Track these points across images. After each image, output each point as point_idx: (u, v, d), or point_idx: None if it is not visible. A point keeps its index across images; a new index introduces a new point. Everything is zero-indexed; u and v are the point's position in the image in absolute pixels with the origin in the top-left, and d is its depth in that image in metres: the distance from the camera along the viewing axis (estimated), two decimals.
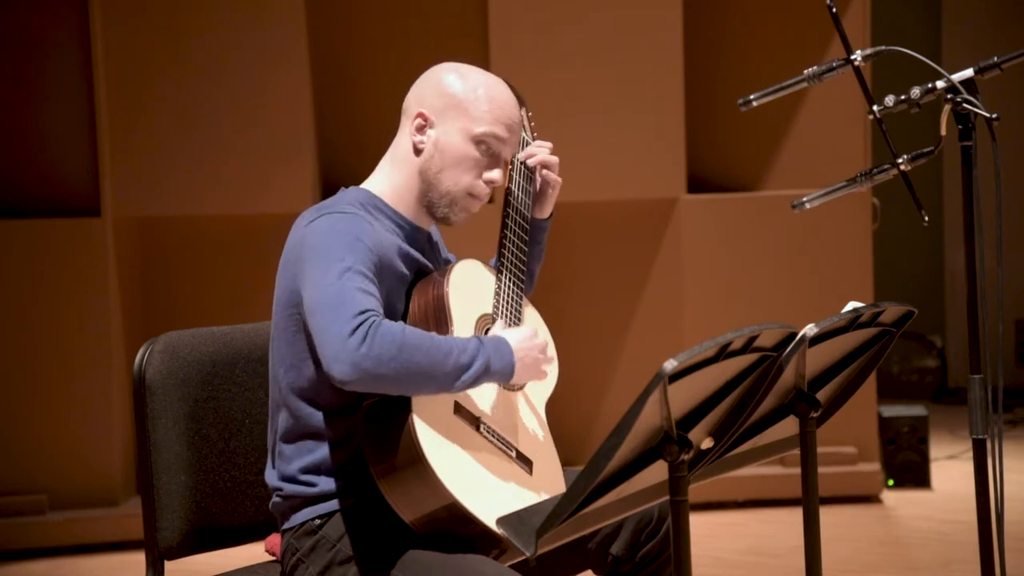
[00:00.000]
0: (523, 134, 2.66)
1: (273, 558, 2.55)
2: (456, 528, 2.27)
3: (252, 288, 5.02)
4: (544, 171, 2.63)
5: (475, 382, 2.29)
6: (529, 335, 2.39)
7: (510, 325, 2.47)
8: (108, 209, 4.99)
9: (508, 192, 2.57)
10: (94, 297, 4.97)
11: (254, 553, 2.67)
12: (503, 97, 2.48)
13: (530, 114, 2.73)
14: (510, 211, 2.55)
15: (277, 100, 5.06)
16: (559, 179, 2.64)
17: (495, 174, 2.47)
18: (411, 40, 5.24)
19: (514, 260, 2.53)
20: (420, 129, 2.46)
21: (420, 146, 2.46)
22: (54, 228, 4.97)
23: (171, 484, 2.47)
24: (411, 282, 2.44)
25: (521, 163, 2.61)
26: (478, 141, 2.44)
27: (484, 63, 5.00)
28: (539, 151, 2.63)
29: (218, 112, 5.04)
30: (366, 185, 2.51)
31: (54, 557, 4.86)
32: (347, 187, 2.51)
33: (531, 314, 2.58)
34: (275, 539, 2.53)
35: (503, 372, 2.33)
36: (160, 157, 5.05)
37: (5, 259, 4.95)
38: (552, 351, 2.54)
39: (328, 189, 5.09)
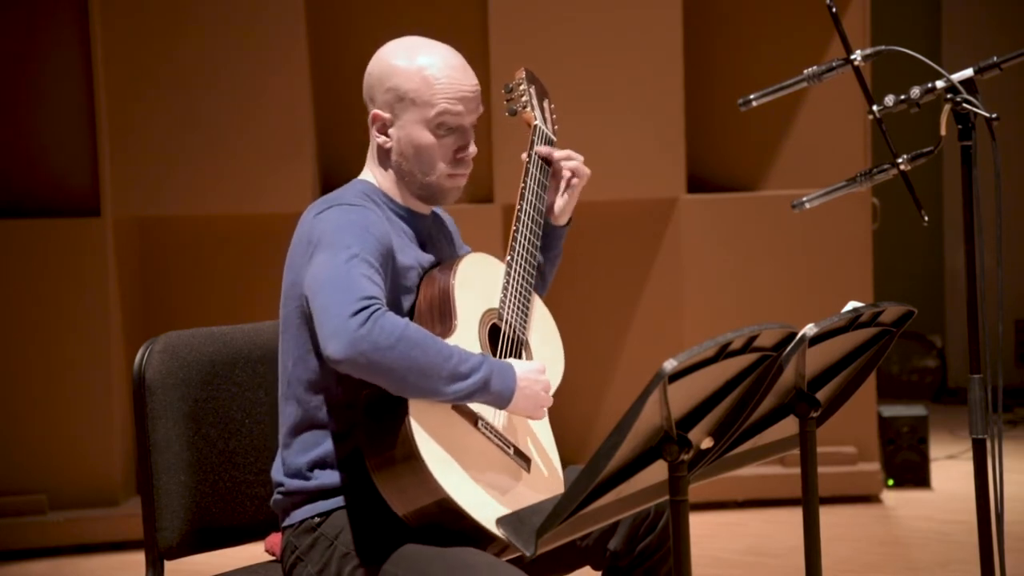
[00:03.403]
0: (543, 127, 2.64)
1: (273, 558, 2.55)
2: (448, 523, 2.27)
3: (252, 288, 5.02)
4: (574, 179, 2.62)
5: (470, 396, 2.28)
6: (538, 368, 2.39)
7: (516, 320, 2.46)
8: (108, 209, 4.99)
9: (522, 186, 2.56)
10: (94, 297, 4.97)
11: (254, 553, 2.67)
12: (447, 70, 2.43)
13: (553, 106, 2.72)
14: (524, 204, 2.54)
15: (277, 100, 5.06)
16: (581, 183, 2.64)
17: (467, 148, 2.45)
18: None
19: (525, 255, 2.52)
20: (381, 130, 2.46)
21: (386, 146, 2.46)
22: (54, 228, 4.97)
23: (171, 484, 2.47)
24: (418, 277, 2.44)
25: (541, 159, 2.60)
26: (436, 125, 2.43)
27: (484, 63, 5.01)
28: (577, 158, 2.63)
29: (218, 112, 5.04)
30: (364, 176, 2.52)
31: (54, 557, 4.86)
32: (352, 180, 2.52)
33: (539, 310, 2.57)
34: (275, 539, 2.53)
35: (501, 395, 2.31)
36: (160, 157, 5.05)
37: (5, 259, 4.95)
38: (559, 350, 2.55)
39: (328, 189, 5.07)
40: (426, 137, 2.43)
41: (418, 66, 2.42)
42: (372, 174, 2.51)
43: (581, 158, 2.65)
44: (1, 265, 4.95)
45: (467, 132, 2.46)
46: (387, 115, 2.45)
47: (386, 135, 2.46)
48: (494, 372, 2.30)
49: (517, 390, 2.33)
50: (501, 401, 2.33)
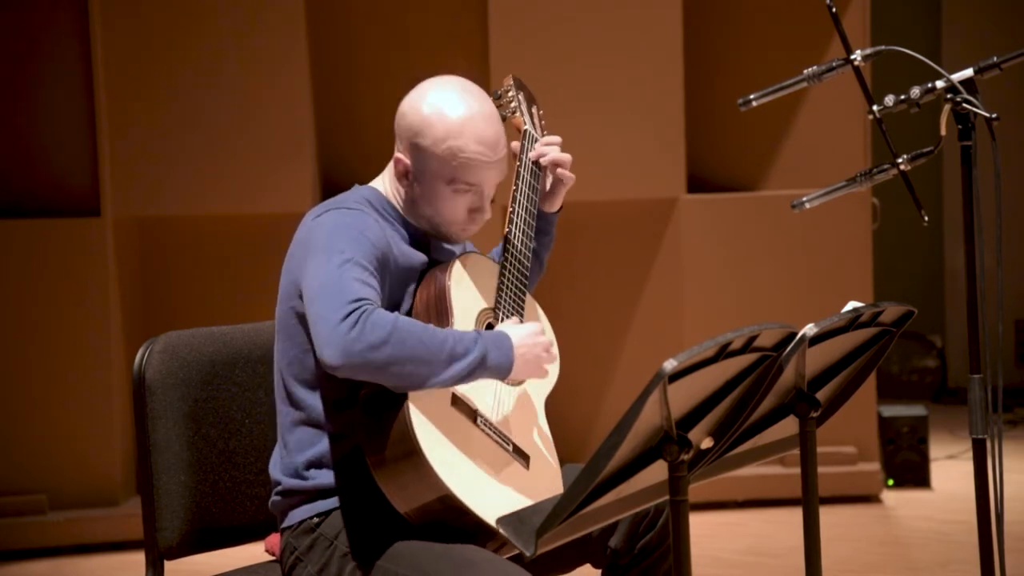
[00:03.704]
0: (532, 131, 2.66)
1: (273, 558, 2.55)
2: (450, 520, 2.27)
3: (252, 288, 5.01)
4: (558, 170, 2.63)
5: (470, 375, 2.29)
6: (534, 331, 2.39)
7: (511, 320, 2.47)
8: (108, 209, 4.99)
9: (515, 189, 2.58)
10: (94, 297, 4.97)
11: (254, 553, 2.67)
12: (472, 144, 2.43)
13: (541, 112, 2.74)
14: (516, 207, 2.56)
15: (277, 100, 5.06)
16: (573, 176, 2.65)
17: (481, 211, 2.48)
18: (411, 40, 5.24)
19: (518, 256, 2.53)
20: (401, 175, 2.47)
21: (403, 185, 2.48)
22: (54, 228, 4.97)
23: (171, 484, 2.47)
24: (417, 278, 2.45)
25: (532, 162, 2.61)
26: (454, 190, 2.44)
27: (484, 63, 5.01)
28: (550, 150, 2.63)
29: (218, 112, 5.04)
30: (376, 184, 2.53)
31: (54, 557, 4.86)
32: (360, 184, 2.53)
33: (534, 310, 2.58)
34: (274, 539, 2.53)
35: (501, 366, 2.32)
36: (160, 157, 5.05)
37: (5, 259, 4.95)
38: (555, 350, 2.55)
39: (328, 189, 5.09)
40: (443, 194, 2.45)
41: (446, 132, 2.42)
42: (383, 183, 2.52)
43: (556, 143, 2.64)
44: (1, 265, 4.95)
45: (484, 195, 2.48)
46: (408, 162, 2.46)
47: (406, 178, 2.47)
48: (490, 346, 2.30)
49: (516, 357, 2.34)
50: (502, 373, 2.33)
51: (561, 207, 2.70)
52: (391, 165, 2.52)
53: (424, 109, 2.45)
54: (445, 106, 2.44)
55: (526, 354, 2.36)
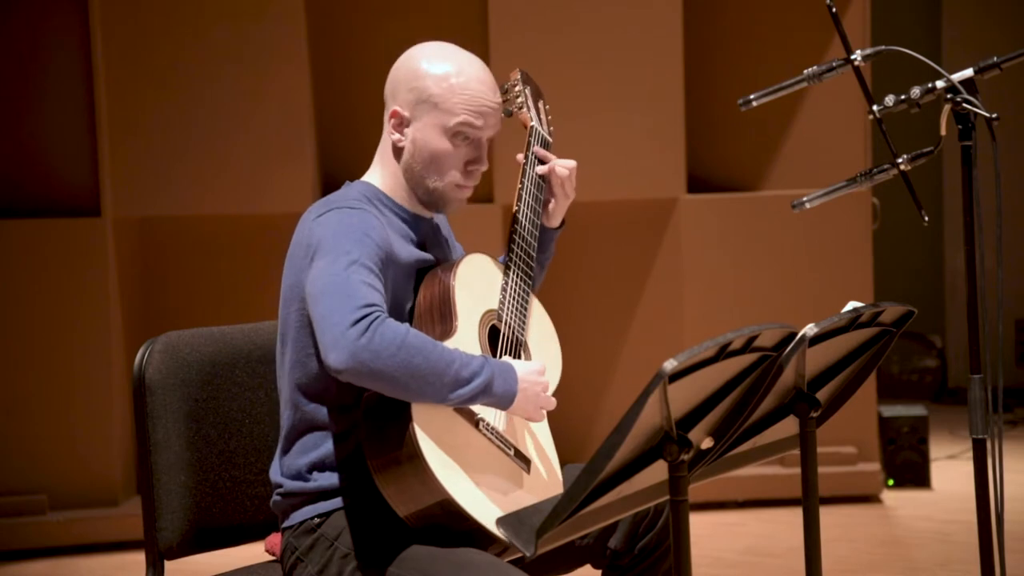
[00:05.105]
0: (539, 128, 2.65)
1: (273, 558, 2.55)
2: (450, 524, 2.27)
3: (252, 288, 5.03)
4: (562, 184, 2.62)
5: (472, 399, 2.28)
6: (537, 370, 2.39)
7: (515, 321, 2.47)
8: (108, 209, 4.99)
9: (520, 187, 2.56)
10: (94, 297, 4.97)
11: (254, 553, 2.67)
12: (474, 82, 2.44)
13: (547, 107, 2.73)
14: (521, 206, 2.55)
15: (277, 100, 5.06)
16: (573, 192, 2.63)
17: (479, 162, 2.46)
18: (411, 40, 5.19)
19: (522, 255, 2.53)
20: (397, 128, 2.46)
21: (400, 144, 2.46)
22: (54, 228, 4.98)
23: (171, 484, 2.47)
24: (417, 276, 2.44)
25: (537, 159, 2.60)
26: (454, 134, 2.43)
27: (484, 63, 5.00)
28: (564, 169, 2.61)
29: (218, 112, 5.04)
30: (367, 178, 2.52)
31: (54, 557, 4.86)
32: (351, 181, 2.52)
33: (538, 311, 2.57)
34: (275, 539, 2.53)
35: (503, 397, 2.32)
36: (160, 157, 5.05)
37: (5, 259, 4.96)
38: (557, 352, 2.55)
39: (328, 189, 5.09)
40: (442, 143, 2.43)
41: (446, 72, 2.43)
42: (376, 175, 2.51)
43: (569, 168, 2.63)
44: (1, 265, 4.95)
45: (482, 146, 2.46)
46: (406, 114, 2.45)
47: (401, 133, 2.46)
48: (495, 375, 2.30)
49: (519, 392, 2.33)
50: (503, 403, 2.33)
51: (563, 224, 2.68)
52: (381, 146, 2.50)
53: (421, 61, 2.46)
54: (442, 56, 2.46)
55: (527, 390, 2.35)
